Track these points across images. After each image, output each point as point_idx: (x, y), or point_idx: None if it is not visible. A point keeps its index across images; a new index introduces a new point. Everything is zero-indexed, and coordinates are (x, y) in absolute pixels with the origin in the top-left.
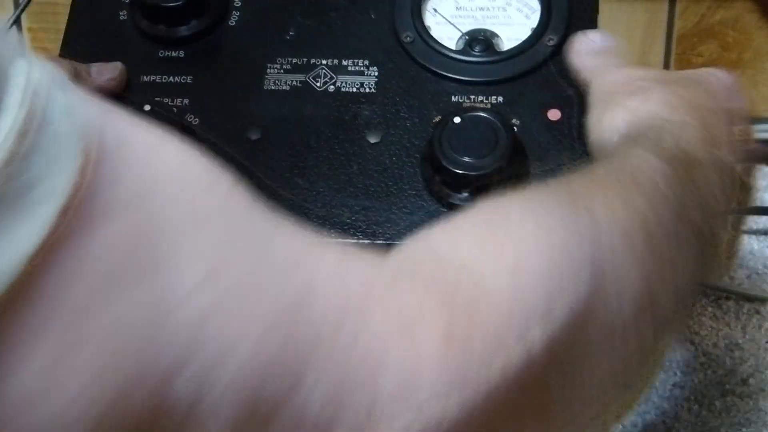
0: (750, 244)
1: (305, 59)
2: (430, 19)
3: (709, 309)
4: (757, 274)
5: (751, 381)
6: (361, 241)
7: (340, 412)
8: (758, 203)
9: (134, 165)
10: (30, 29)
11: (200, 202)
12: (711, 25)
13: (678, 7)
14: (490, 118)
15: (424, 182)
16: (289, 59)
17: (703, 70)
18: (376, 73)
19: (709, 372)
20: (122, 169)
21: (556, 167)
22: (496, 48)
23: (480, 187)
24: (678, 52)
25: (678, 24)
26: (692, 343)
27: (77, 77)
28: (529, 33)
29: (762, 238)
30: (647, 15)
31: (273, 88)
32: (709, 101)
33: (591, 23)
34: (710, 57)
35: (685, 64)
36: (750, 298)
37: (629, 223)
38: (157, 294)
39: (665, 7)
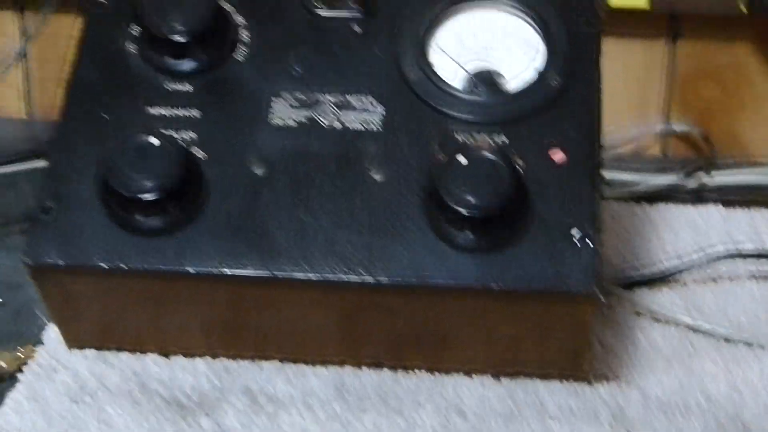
0: (750, 287)
1: (311, 95)
2: (436, 58)
3: (709, 353)
4: (757, 318)
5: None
6: (363, 277)
7: None
8: (758, 246)
9: None
10: (36, 59)
11: None
12: (712, 68)
13: (679, 49)
14: (494, 158)
15: (428, 220)
16: (296, 95)
17: None
18: (382, 111)
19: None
20: None
21: (560, 209)
22: (501, 88)
23: (483, 226)
24: (679, 95)
25: (679, 66)
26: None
27: None
28: (534, 73)
29: (762, 282)
30: (648, 56)
31: (279, 123)
32: None
33: (595, 64)
34: (711, 100)
35: (685, 106)
36: (749, 344)
37: None
38: None
39: (666, 48)
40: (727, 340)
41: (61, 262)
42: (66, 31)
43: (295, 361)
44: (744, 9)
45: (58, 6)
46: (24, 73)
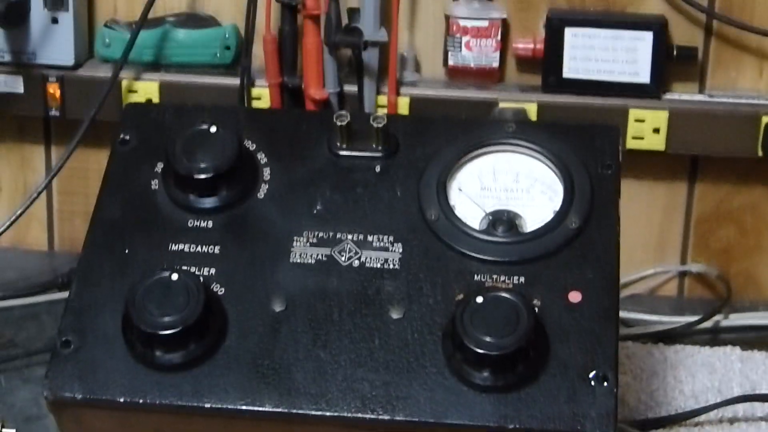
0: None
1: (331, 233)
2: (455, 198)
3: None
4: None
5: None
6: (380, 417)
7: None
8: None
9: None
10: (60, 192)
11: None
12: (729, 210)
13: (697, 191)
14: (512, 298)
15: (446, 359)
16: (316, 233)
17: None
18: (401, 250)
19: None
20: None
21: (577, 350)
22: (520, 229)
23: (500, 366)
24: (696, 236)
25: (697, 208)
26: None
27: None
28: (551, 215)
29: None
30: (666, 198)
31: (299, 260)
32: None
33: (613, 207)
34: (728, 242)
35: (703, 248)
36: None
37: None
38: None
39: (684, 190)
40: None
41: (79, 396)
42: (90, 165)
43: None
44: (761, 152)
45: (84, 140)
46: (47, 206)
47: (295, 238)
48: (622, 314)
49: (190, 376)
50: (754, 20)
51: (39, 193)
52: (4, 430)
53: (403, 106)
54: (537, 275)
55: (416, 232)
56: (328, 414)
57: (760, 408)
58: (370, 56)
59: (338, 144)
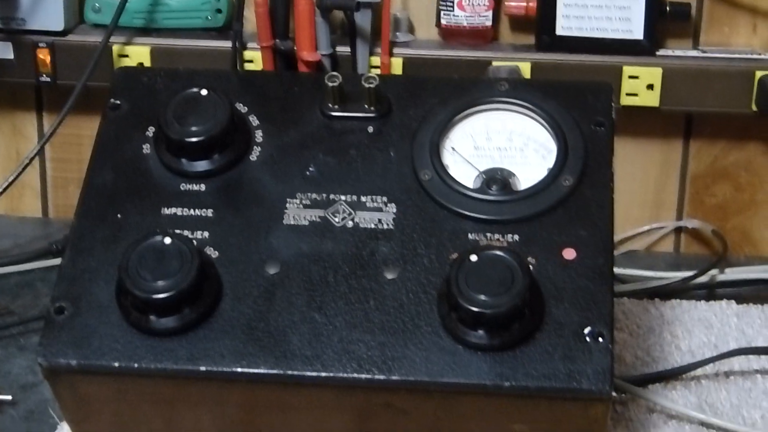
0: (763, 383)
1: (324, 195)
2: (449, 158)
3: None
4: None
5: None
6: (376, 377)
7: None
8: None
9: None
10: (53, 159)
11: None
12: (724, 167)
13: (692, 148)
14: (506, 256)
15: (441, 319)
16: (309, 195)
17: None
18: (395, 210)
19: None
20: None
21: (572, 307)
22: (513, 187)
23: (495, 325)
24: (692, 192)
25: (692, 165)
26: None
27: None
28: (545, 173)
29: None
30: (662, 155)
31: (292, 222)
32: None
33: (606, 165)
34: (723, 198)
35: (698, 204)
36: None
37: None
38: None
39: (679, 147)
40: None
41: (74, 363)
42: (83, 131)
43: None
44: (755, 108)
45: (77, 107)
46: (41, 173)
47: (288, 200)
48: (619, 271)
49: (184, 340)
50: None
51: (31, 160)
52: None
53: (397, 67)
54: (531, 233)
55: (410, 192)
56: (323, 375)
57: (755, 361)
58: (363, 17)
59: (330, 105)
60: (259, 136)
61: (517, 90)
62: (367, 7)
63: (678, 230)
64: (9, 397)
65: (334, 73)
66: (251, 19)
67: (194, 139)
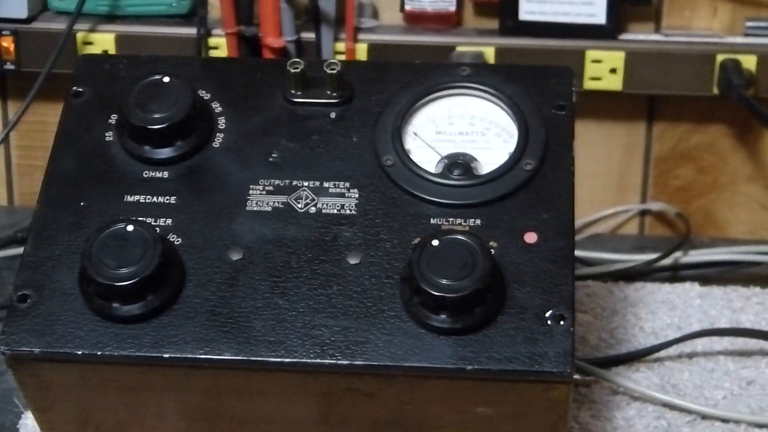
0: (726, 364)
1: (287, 181)
2: (411, 143)
3: (685, 430)
4: (732, 395)
5: None
6: (339, 362)
7: None
8: (734, 324)
9: None
10: (19, 147)
11: None
12: (687, 149)
13: (655, 131)
14: (468, 240)
15: (403, 303)
16: (272, 181)
17: None
18: (357, 196)
19: None
20: None
21: (534, 290)
22: (475, 172)
23: (457, 308)
24: (655, 175)
25: (655, 147)
26: None
27: None
28: (506, 157)
29: (737, 358)
30: (625, 138)
31: (255, 209)
32: None
33: (567, 148)
34: (687, 180)
35: (662, 186)
36: (725, 420)
37: None
38: None
39: (643, 130)
40: (703, 417)
41: (37, 350)
42: (48, 119)
43: None
44: (717, 91)
45: (42, 94)
46: (5, 161)
47: (251, 186)
48: (583, 254)
49: (148, 327)
50: None
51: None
52: None
53: (362, 53)
54: (493, 217)
55: (372, 177)
56: (287, 360)
57: (718, 342)
58: (327, 3)
59: (293, 92)
60: (222, 122)
61: (479, 75)
62: None
63: (642, 213)
64: None
65: (297, 59)
66: (216, 5)
67: (156, 126)
